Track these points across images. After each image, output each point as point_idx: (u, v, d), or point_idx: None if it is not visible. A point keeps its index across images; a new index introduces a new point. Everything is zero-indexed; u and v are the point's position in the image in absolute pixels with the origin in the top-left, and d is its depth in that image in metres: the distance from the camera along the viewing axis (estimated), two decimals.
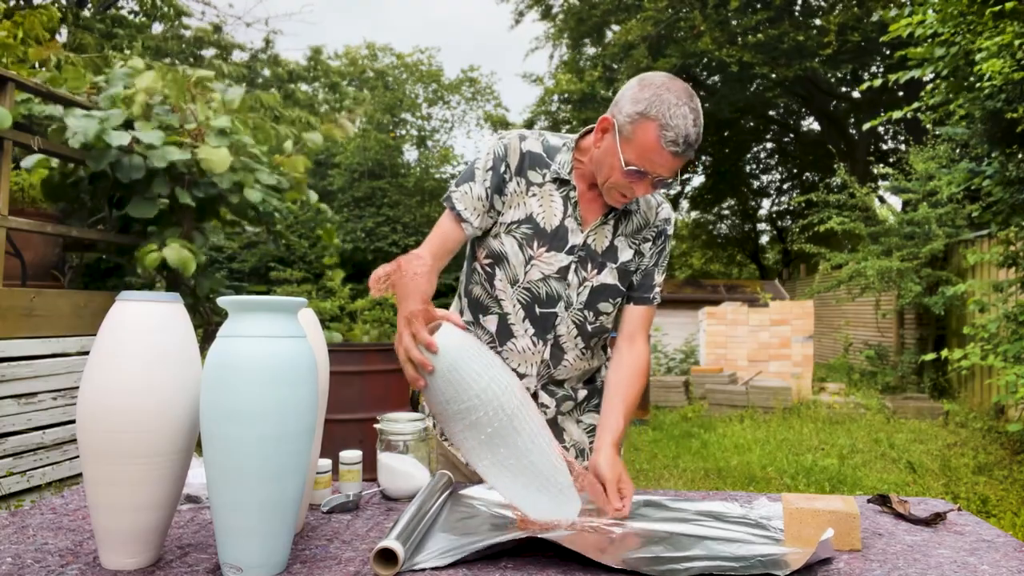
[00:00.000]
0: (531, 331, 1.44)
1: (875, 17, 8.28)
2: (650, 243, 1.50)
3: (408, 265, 1.25)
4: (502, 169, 1.43)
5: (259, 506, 0.90)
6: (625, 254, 1.47)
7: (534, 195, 1.43)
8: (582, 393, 1.54)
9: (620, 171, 1.31)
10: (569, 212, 1.43)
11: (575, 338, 1.45)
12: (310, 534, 1.10)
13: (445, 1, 71.26)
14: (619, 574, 0.93)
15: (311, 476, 1.17)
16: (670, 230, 1.54)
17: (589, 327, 1.46)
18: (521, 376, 1.46)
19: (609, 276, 1.45)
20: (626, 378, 1.43)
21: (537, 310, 1.43)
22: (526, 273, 1.42)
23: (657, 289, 1.53)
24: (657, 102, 1.25)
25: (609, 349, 1.59)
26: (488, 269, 1.45)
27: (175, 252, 3.64)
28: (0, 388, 3.08)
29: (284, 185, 4.48)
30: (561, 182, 1.44)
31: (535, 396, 1.49)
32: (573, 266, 1.42)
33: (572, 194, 1.43)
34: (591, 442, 1.53)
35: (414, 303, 1.16)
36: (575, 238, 1.42)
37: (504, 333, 1.45)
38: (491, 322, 1.46)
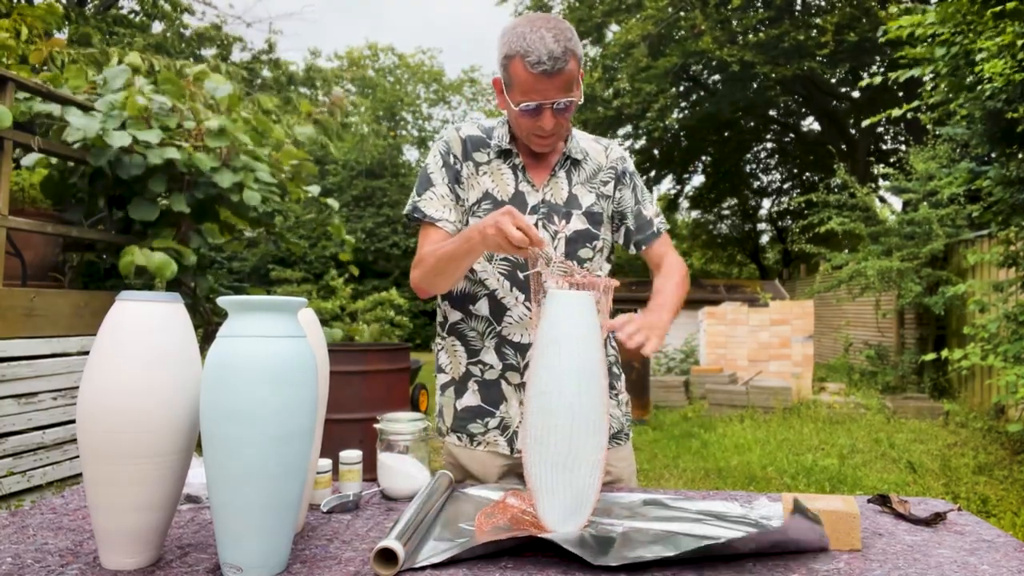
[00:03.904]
0: (521, 297, 1.46)
1: (876, 21, 8.28)
2: (612, 184, 1.55)
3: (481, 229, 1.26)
4: (451, 161, 1.50)
5: (259, 506, 0.90)
6: (587, 199, 1.51)
7: (484, 173, 1.50)
8: None
9: (518, 114, 1.38)
10: (520, 178, 1.49)
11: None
12: (310, 534, 1.10)
13: (445, 1, 71.27)
14: (620, 573, 0.93)
15: (311, 476, 1.17)
16: (630, 166, 1.58)
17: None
18: (527, 345, 1.46)
19: (579, 222, 1.49)
20: (666, 274, 1.52)
21: (520, 275, 1.46)
22: None
23: (656, 220, 1.58)
24: (514, 39, 1.32)
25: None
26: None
27: (147, 257, 3.59)
28: (0, 388, 3.08)
29: (286, 176, 4.46)
30: (504, 153, 1.50)
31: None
32: (540, 223, 1.47)
33: (517, 161, 1.50)
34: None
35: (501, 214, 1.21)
36: (532, 199, 1.48)
37: (497, 311, 1.47)
38: (482, 307, 1.48)
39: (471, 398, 1.51)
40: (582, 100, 1.42)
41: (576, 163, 1.53)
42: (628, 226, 1.56)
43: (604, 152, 1.57)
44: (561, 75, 1.32)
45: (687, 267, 1.58)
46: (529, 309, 1.44)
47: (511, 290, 1.46)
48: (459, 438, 1.53)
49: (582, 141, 1.56)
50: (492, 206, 1.45)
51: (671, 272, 1.53)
